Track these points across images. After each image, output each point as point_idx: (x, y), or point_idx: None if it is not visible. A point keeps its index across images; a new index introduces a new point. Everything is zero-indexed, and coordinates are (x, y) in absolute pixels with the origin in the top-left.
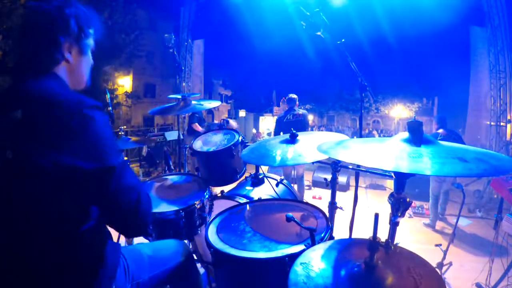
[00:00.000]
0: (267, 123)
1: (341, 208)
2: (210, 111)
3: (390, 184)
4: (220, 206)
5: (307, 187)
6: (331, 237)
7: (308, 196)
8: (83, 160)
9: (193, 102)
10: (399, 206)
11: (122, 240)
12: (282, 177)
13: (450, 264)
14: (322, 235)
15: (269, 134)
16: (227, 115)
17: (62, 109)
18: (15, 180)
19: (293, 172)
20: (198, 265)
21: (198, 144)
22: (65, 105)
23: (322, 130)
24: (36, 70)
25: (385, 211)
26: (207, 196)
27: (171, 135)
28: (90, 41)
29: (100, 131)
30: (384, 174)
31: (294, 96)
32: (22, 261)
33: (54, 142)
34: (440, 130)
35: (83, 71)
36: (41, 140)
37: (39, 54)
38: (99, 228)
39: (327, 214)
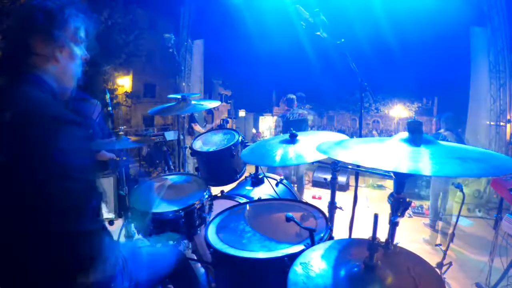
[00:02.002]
0: (267, 123)
1: (340, 208)
2: (210, 111)
3: (390, 184)
4: (220, 206)
5: (306, 187)
6: (331, 237)
7: (308, 196)
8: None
9: (193, 102)
10: (398, 206)
11: (122, 239)
12: (282, 177)
13: (450, 264)
14: (322, 235)
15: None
16: (227, 115)
17: (39, 123)
18: (8, 179)
19: (292, 172)
20: (198, 265)
21: (198, 144)
22: (42, 120)
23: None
24: (21, 70)
25: (385, 211)
26: (206, 196)
27: (171, 135)
28: (81, 48)
29: (71, 146)
30: (384, 174)
31: (292, 96)
32: (20, 260)
33: (34, 150)
34: (442, 131)
35: (71, 77)
36: (25, 145)
37: (32, 48)
38: (96, 225)
39: (327, 214)
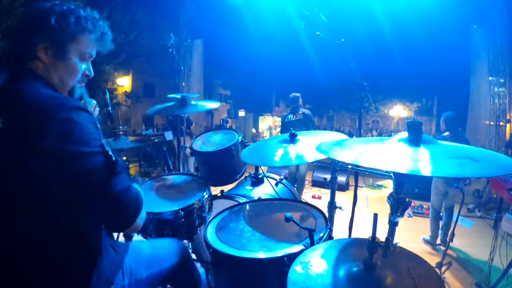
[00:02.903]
0: (267, 123)
1: (340, 208)
2: (209, 111)
3: (389, 183)
4: (219, 205)
5: (306, 187)
6: (330, 237)
7: (308, 195)
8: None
9: (193, 102)
10: (398, 206)
11: (121, 239)
12: (282, 177)
13: (450, 264)
14: (321, 235)
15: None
16: (226, 115)
17: (42, 114)
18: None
19: (294, 170)
20: (198, 265)
21: (198, 144)
22: (45, 110)
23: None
24: (13, 67)
25: (385, 211)
26: (206, 196)
27: (171, 135)
28: (76, 47)
29: (82, 131)
30: (383, 174)
31: (291, 96)
32: (20, 262)
33: (37, 147)
34: (446, 133)
35: (63, 77)
36: (25, 146)
37: (14, 48)
38: (96, 226)
39: (327, 214)
